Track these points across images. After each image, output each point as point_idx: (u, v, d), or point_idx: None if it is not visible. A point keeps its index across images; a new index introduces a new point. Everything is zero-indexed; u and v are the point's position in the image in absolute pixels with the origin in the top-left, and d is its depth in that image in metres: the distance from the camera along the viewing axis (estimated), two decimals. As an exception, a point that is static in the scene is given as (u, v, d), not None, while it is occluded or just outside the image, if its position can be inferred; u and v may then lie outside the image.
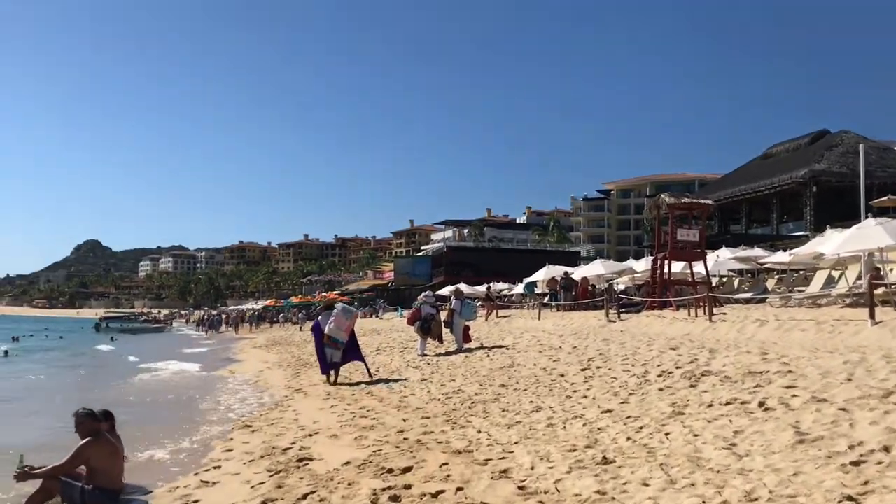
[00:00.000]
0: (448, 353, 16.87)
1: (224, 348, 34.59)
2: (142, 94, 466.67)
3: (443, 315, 18.26)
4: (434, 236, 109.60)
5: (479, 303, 35.08)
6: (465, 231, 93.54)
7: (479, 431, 7.88)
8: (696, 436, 6.61)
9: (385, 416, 9.61)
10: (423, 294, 18.11)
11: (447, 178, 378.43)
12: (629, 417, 7.58)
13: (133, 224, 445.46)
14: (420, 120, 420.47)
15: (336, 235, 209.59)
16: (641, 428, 7.06)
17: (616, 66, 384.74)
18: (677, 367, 10.48)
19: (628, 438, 6.85)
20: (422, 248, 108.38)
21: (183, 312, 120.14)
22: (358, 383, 13.98)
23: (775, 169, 48.34)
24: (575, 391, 9.79)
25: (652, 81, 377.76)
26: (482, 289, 43.35)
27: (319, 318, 15.24)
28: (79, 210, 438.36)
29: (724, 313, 18.67)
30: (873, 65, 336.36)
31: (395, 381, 13.34)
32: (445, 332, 17.81)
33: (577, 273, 30.00)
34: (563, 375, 11.40)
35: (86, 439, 6.31)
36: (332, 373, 14.23)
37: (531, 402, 9.41)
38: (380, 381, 14.42)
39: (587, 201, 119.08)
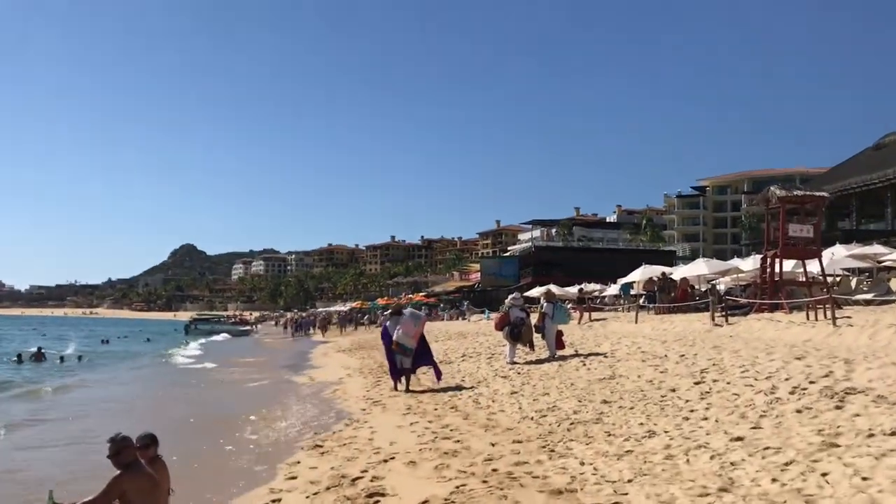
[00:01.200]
0: (540, 361, 15.57)
1: (308, 352, 34.15)
2: (233, 100, 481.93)
3: (533, 319, 16.97)
4: (521, 236, 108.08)
5: (571, 305, 33.59)
6: (553, 231, 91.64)
7: (583, 463, 6.61)
8: (864, 479, 5.17)
9: (471, 437, 8.44)
10: (511, 296, 16.85)
11: (534, 177, 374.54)
12: (768, 449, 6.16)
13: (227, 228, 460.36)
14: (505, 118, 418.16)
15: (422, 237, 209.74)
16: (788, 465, 5.64)
17: (709, 58, 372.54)
18: (811, 382, 8.93)
19: (774, 480, 5.46)
20: (508, 248, 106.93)
21: (273, 315, 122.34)
22: (443, 390, 12.97)
23: (889, 160, 44.78)
24: (692, 411, 8.38)
25: (746, 74, 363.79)
26: (573, 290, 41.70)
27: (387, 323, 14.71)
28: (176, 215, 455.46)
29: (848, 317, 16.72)
30: None
31: (481, 393, 12.14)
32: (536, 337, 16.52)
33: (677, 273, 28.10)
34: (674, 390, 9.96)
35: (119, 471, 5.39)
36: (403, 379, 13.77)
37: (641, 423, 8.07)
38: (461, 388, 13.33)
39: (681, 198, 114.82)
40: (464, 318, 51.77)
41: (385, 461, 7.62)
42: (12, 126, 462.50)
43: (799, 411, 7.44)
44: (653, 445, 6.97)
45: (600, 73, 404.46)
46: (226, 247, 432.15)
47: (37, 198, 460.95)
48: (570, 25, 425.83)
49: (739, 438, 6.67)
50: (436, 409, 10.80)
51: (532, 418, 9.25)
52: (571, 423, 8.55)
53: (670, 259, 63.57)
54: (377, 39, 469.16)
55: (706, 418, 7.89)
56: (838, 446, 5.89)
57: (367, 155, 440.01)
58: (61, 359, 31.75)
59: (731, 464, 5.86)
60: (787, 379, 9.45)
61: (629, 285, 30.75)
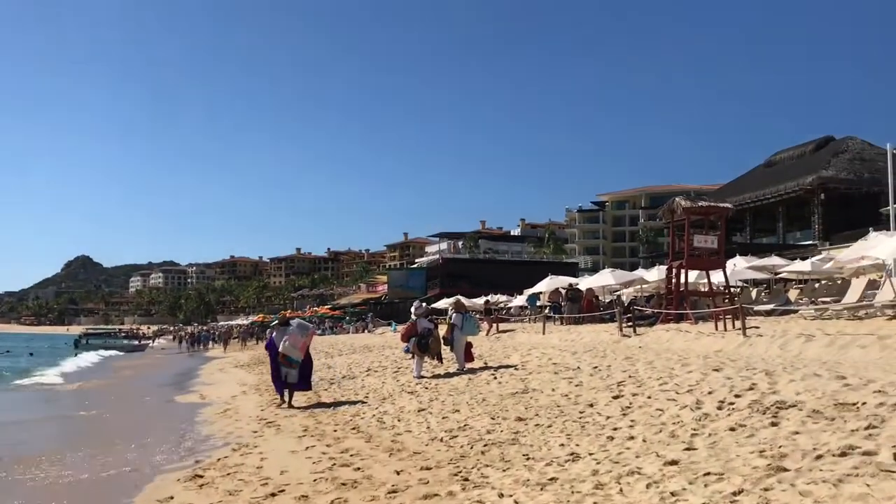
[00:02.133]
0: (448, 375, 14.73)
1: (202, 368, 32.26)
2: (135, 103, 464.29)
3: (441, 330, 16.15)
4: (428, 249, 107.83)
5: (478, 316, 33.04)
6: (460, 243, 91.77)
7: (502, 495, 5.73)
8: (828, 511, 4.53)
9: (373, 463, 7.47)
10: (415, 305, 15.96)
11: (441, 190, 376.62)
12: (709, 475, 5.46)
13: (125, 240, 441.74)
14: (413, 131, 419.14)
15: (329, 249, 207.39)
16: (737, 495, 4.93)
17: (610, 77, 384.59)
18: (736, 396, 8.42)
19: (725, 513, 4.76)
20: (416, 260, 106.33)
21: (171, 328, 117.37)
22: (338, 404, 11.96)
23: (780, 176, 46.68)
24: (615, 429, 7.69)
25: (645, 92, 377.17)
26: (480, 301, 41.25)
27: (274, 335, 13.97)
28: (70, 226, 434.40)
29: (756, 327, 16.68)
30: (872, 67, 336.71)
31: (386, 411, 11.17)
32: (445, 349, 15.69)
33: (583, 283, 27.94)
34: (592, 405, 9.29)
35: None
36: (287, 393, 13.33)
37: (562, 445, 7.30)
38: (364, 403, 12.35)
39: (582, 213, 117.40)
40: (369, 331, 50.63)
41: (273, 495, 6.56)
42: None
43: (732, 429, 6.83)
44: (578, 471, 6.19)
45: (505, 89, 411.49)
46: (123, 259, 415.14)
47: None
48: (477, 42, 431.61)
49: (674, 462, 5.98)
50: (335, 431, 9.75)
51: (442, 439, 8.35)
52: (485, 445, 7.70)
53: (573, 271, 64.34)
54: (281, 47, 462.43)
55: (632, 437, 7.20)
56: (787, 470, 5.25)
57: (272, 164, 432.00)
58: None
59: (672, 494, 5.12)
60: (710, 392, 8.93)
61: (536, 296, 30.46)
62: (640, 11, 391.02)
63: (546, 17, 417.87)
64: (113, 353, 54.76)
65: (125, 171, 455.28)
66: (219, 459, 8.48)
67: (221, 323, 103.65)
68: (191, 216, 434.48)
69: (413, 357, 15.45)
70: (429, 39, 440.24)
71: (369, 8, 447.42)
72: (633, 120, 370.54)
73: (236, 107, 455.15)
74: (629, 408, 8.78)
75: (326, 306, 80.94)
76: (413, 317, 15.44)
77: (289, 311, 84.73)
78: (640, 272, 29.21)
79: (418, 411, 10.59)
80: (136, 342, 73.97)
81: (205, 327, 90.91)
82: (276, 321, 16.57)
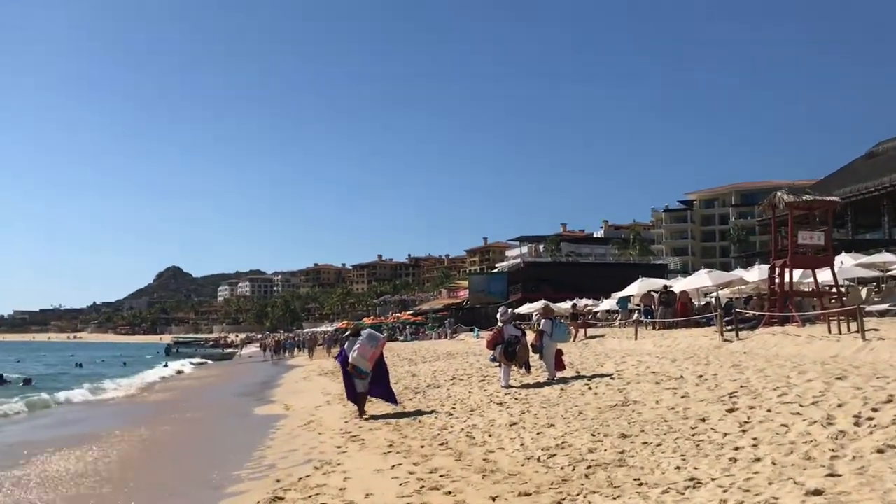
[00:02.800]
0: (538, 385, 13.96)
1: (287, 377, 32.32)
2: (216, 123, 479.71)
3: (529, 337, 15.38)
4: (508, 253, 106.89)
5: (566, 322, 32.09)
6: (541, 247, 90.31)
7: (617, 531, 4.99)
8: None
9: (466, 486, 6.80)
10: (501, 312, 15.20)
11: (521, 193, 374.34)
12: (866, 510, 4.59)
13: (213, 250, 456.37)
14: (492, 134, 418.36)
15: (409, 255, 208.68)
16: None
17: (694, 71, 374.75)
18: (873, 410, 7.40)
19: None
20: (496, 265, 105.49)
21: (258, 336, 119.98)
22: (427, 413, 11.26)
23: (884, 168, 43.85)
24: (736, 448, 6.80)
25: (731, 86, 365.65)
26: (566, 305, 40.20)
27: (345, 345, 13.82)
28: (161, 238, 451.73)
29: (875, 329, 15.29)
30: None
31: (475, 424, 10.48)
32: (533, 357, 14.92)
33: (677, 285, 26.64)
34: (704, 420, 8.39)
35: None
36: (361, 403, 13.23)
37: (677, 467, 6.46)
38: (448, 414, 11.70)
39: (669, 212, 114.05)
40: (452, 337, 50.14)
41: (357, 522, 6.00)
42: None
43: (881, 451, 5.86)
44: (702, 501, 5.36)
45: (586, 88, 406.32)
46: (212, 269, 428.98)
47: (20, 222, 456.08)
48: (558, 40, 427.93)
49: (818, 492, 5.08)
50: (422, 447, 9.12)
51: (539, 459, 7.61)
52: (589, 467, 6.92)
53: (662, 272, 62.27)
54: (360, 59, 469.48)
55: (758, 459, 6.31)
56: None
57: (353, 173, 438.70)
58: (25, 381, 30.22)
59: (827, 536, 4.27)
60: (840, 405, 7.92)
61: (626, 299, 29.20)
62: (719, 5, 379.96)
63: (618, 18, 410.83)
64: (202, 361, 55.99)
65: (212, 183, 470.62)
66: (300, 479, 7.97)
67: (307, 330, 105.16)
68: (275, 225, 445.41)
69: (499, 365, 14.72)
70: (526, 38, 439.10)
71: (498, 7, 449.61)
72: (719, 115, 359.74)
73: (317, 115, 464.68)
74: (748, 423, 7.85)
75: (408, 312, 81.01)
76: (499, 323, 14.72)
77: (371, 317, 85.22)
78: (738, 272, 27.67)
79: (510, 425, 9.86)
80: (224, 350, 75.51)
81: (290, 335, 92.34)
82: (349, 332, 16.26)
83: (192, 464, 10.61)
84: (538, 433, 9.01)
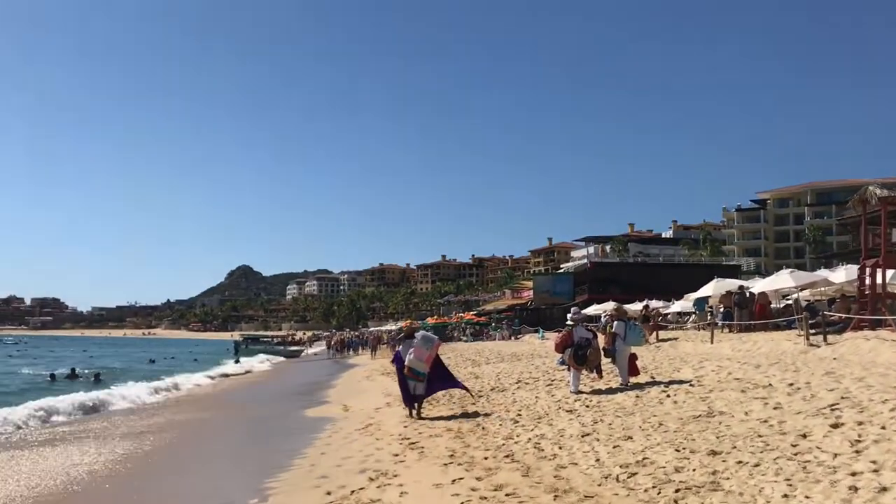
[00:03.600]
0: (611, 391, 13.04)
1: (348, 376, 31.98)
2: (286, 125, 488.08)
3: (601, 340, 14.45)
4: (574, 254, 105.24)
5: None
6: (608, 247, 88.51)
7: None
8: None
9: (535, 508, 6.02)
10: (573, 311, 14.33)
11: (586, 193, 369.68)
12: None
13: (282, 250, 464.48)
14: (556, 134, 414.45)
15: (473, 255, 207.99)
16: None
17: (764, 65, 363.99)
18: None
19: None
20: (561, 265, 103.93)
21: (324, 334, 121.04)
22: (490, 415, 10.40)
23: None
24: (853, 474, 5.83)
25: (803, 82, 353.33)
26: (636, 307, 38.83)
27: (400, 348, 13.83)
28: (233, 238, 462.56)
29: None
30: None
31: (543, 434, 9.66)
32: (605, 361, 13.99)
33: (757, 286, 25.21)
34: (805, 436, 7.40)
35: None
36: (416, 406, 13.13)
37: (785, 495, 5.54)
38: (513, 421, 10.89)
39: (741, 212, 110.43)
40: (516, 338, 49.20)
41: (412, 550, 5.29)
42: (75, 150, 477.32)
43: None
44: (824, 541, 4.46)
45: (652, 86, 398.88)
46: (280, 268, 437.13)
47: (99, 222, 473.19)
48: (615, 38, 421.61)
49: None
50: (486, 459, 8.34)
51: (618, 478, 6.76)
52: (678, 490, 6.04)
53: (735, 274, 59.95)
54: (418, 58, 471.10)
55: (885, 489, 5.34)
56: None
57: (417, 174, 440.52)
58: (96, 377, 30.65)
59: None
60: (970, 422, 6.86)
61: (704, 300, 27.75)
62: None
63: (686, 7, 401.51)
64: (270, 358, 56.48)
65: (280, 184, 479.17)
66: (353, 492, 7.30)
67: (371, 329, 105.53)
68: (342, 225, 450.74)
69: (568, 369, 13.84)
70: (586, 29, 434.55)
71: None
72: (792, 113, 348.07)
73: (379, 114, 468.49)
74: (860, 442, 6.84)
75: (472, 312, 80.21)
76: (569, 324, 13.83)
77: (434, 317, 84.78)
78: (823, 273, 26.01)
79: (582, 436, 9.01)
80: (291, 348, 76.32)
81: (355, 333, 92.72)
82: (403, 334, 15.84)
83: (238, 469, 10.11)
84: (615, 446, 8.14)
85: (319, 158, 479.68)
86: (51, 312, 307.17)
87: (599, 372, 13.82)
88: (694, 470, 6.64)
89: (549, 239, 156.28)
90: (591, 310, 46.96)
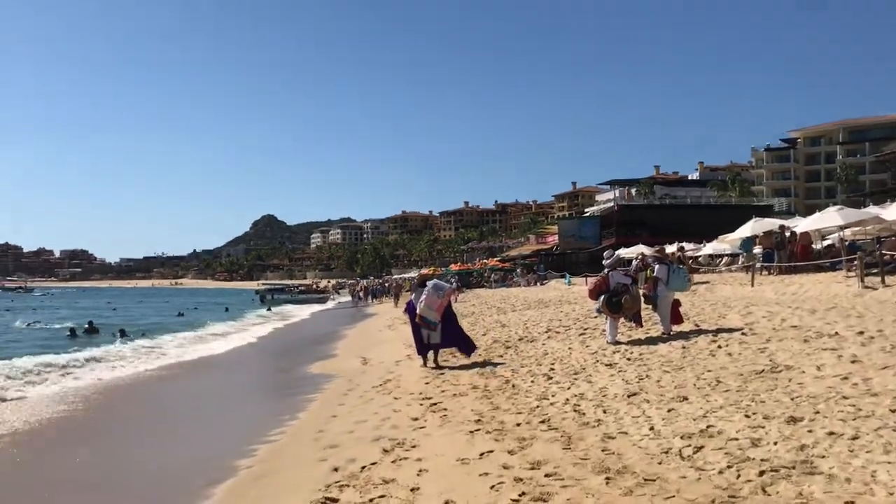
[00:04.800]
0: (651, 341, 11.84)
1: (371, 324, 31.08)
2: (308, 74, 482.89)
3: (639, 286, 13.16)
4: (598, 197, 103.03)
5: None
6: (633, 190, 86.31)
7: None
8: None
9: (584, 497, 4.86)
10: (607, 255, 13.01)
11: (610, 136, 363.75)
12: None
13: (306, 198, 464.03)
14: (576, 77, 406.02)
15: (496, 201, 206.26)
16: None
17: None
18: None
19: None
20: (586, 210, 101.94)
21: (349, 282, 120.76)
22: (525, 371, 9.21)
23: None
24: None
25: (839, 16, 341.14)
26: (669, 249, 37.41)
27: (413, 296, 13.48)
28: (256, 187, 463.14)
29: None
30: None
31: (583, 393, 8.49)
32: (645, 308, 12.76)
33: (801, 225, 23.70)
34: (901, 397, 6.17)
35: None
36: (432, 354, 12.76)
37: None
38: (546, 377, 9.74)
39: (770, 152, 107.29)
40: (542, 284, 48.05)
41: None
42: (107, 101, 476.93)
43: None
44: None
45: (672, 26, 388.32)
46: (305, 217, 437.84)
47: (127, 174, 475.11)
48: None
49: None
50: (519, 425, 7.18)
51: (681, 453, 5.56)
52: (762, 473, 4.84)
53: (767, 214, 58.05)
54: (445, 13, 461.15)
55: None
56: None
57: (438, 120, 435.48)
58: (121, 332, 29.95)
59: None
60: None
61: (751, 240, 26.09)
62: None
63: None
64: (294, 307, 56.24)
65: (301, 134, 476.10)
66: (363, 468, 6.18)
67: (395, 276, 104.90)
68: (365, 174, 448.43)
69: (605, 318, 12.63)
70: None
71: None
72: (821, 48, 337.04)
73: (404, 70, 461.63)
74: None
75: (496, 258, 79.00)
76: (605, 268, 12.58)
77: (458, 263, 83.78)
78: (873, 210, 24.37)
79: (628, 396, 7.83)
80: (318, 296, 76.57)
81: (379, 281, 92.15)
82: (416, 282, 15.60)
83: (231, 432, 9.13)
84: (669, 410, 6.95)
85: (342, 106, 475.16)
86: (79, 264, 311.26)
87: (639, 320, 12.60)
88: (775, 444, 5.43)
89: (573, 183, 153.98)
90: (623, 252, 45.63)
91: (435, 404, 8.87)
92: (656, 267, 12.52)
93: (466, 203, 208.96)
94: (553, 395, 8.49)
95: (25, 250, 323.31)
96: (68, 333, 29.50)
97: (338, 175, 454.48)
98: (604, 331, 13.44)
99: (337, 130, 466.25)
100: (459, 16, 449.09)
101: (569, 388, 8.80)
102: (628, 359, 10.36)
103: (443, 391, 9.76)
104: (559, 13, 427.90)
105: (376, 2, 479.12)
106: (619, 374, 9.31)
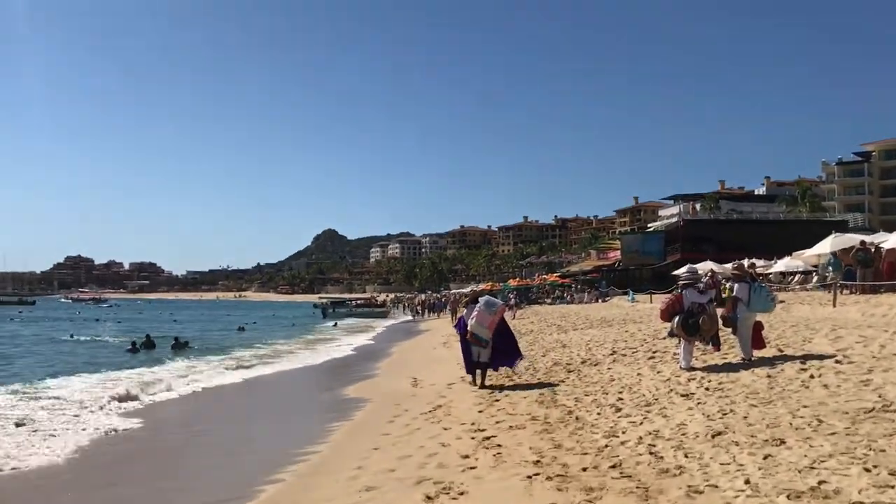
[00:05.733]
0: (730, 367, 10.64)
1: (423, 340, 30.24)
2: (367, 94, 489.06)
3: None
4: (661, 212, 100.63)
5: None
6: (697, 205, 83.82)
7: None
8: None
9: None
10: (686, 270, 11.85)
11: (673, 150, 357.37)
12: None
13: (366, 213, 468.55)
14: (640, 91, 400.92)
15: (556, 216, 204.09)
16: None
17: (862, 3, 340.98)
18: None
19: None
20: (648, 225, 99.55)
21: (407, 296, 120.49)
22: (590, 400, 8.14)
23: None
24: None
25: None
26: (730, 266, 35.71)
27: (465, 312, 13.28)
28: (319, 203, 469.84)
29: None
30: None
31: (657, 429, 7.43)
32: (723, 331, 11.55)
33: (889, 241, 22.00)
34: None
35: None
36: (480, 373, 12.50)
37: None
38: (615, 408, 8.68)
39: (843, 165, 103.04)
40: (603, 300, 46.54)
41: None
42: (176, 120, 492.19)
43: None
44: None
45: (741, 35, 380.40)
46: (364, 231, 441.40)
47: (195, 189, 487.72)
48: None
49: None
50: (585, 470, 6.17)
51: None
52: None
53: (842, 230, 55.36)
54: (508, 21, 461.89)
55: None
56: None
57: (498, 135, 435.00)
58: (178, 343, 29.72)
59: None
60: None
61: (837, 257, 24.31)
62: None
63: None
64: (356, 321, 56.31)
65: (365, 150, 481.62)
66: (401, 520, 5.30)
67: (453, 291, 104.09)
68: (423, 188, 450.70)
69: (678, 341, 11.48)
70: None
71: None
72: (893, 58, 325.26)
73: (462, 77, 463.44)
74: None
75: (555, 274, 77.48)
76: (680, 285, 11.44)
77: (516, 279, 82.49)
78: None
79: (712, 437, 6.73)
80: (378, 310, 76.76)
81: (437, 295, 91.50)
82: (468, 298, 15.59)
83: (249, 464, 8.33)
84: (765, 456, 5.85)
85: (401, 122, 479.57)
86: (147, 276, 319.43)
87: (717, 343, 11.39)
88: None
89: (634, 198, 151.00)
90: (682, 271, 43.81)
91: (488, 438, 7.91)
92: (735, 286, 11.33)
93: (525, 218, 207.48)
94: (624, 432, 7.44)
95: (96, 263, 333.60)
96: (129, 348, 29.31)
97: (397, 190, 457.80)
98: (675, 354, 12.31)
99: (394, 149, 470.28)
100: (510, 26, 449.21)
101: (641, 424, 7.74)
102: (707, 389, 9.23)
103: (497, 422, 8.79)
104: (616, 27, 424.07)
105: (434, 19, 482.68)
106: (699, 406, 8.21)
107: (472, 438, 8.05)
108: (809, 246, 32.98)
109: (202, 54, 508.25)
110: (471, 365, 12.63)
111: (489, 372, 12.70)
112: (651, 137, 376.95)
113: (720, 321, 11.22)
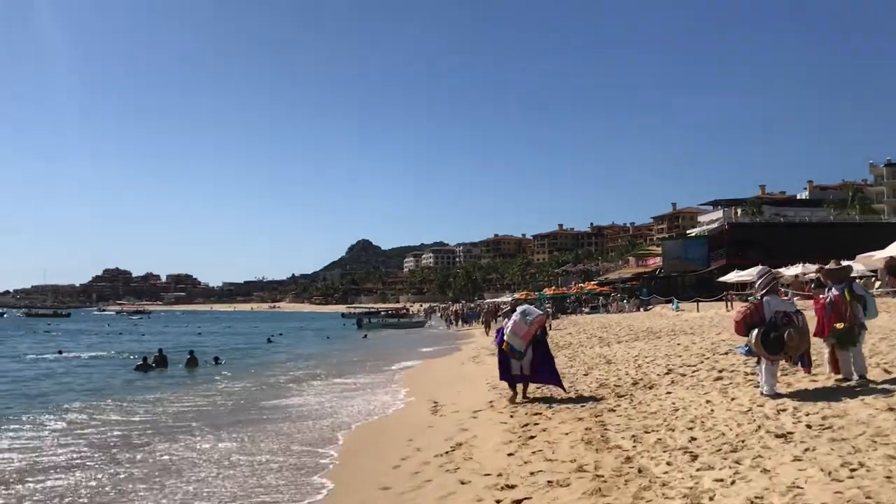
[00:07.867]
0: (828, 392, 8.36)
1: (455, 355, 28.09)
2: (398, 101, 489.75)
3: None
4: (701, 218, 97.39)
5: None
6: (739, 211, 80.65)
7: None
8: None
9: None
10: (758, 272, 9.54)
11: (711, 154, 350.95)
12: None
13: (399, 223, 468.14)
14: (676, 94, 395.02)
15: (592, 223, 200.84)
16: None
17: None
18: None
19: None
20: (687, 232, 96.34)
21: (441, 306, 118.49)
22: (651, 436, 5.99)
23: None
24: None
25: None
26: (789, 272, 33.08)
27: (504, 321, 12.63)
28: (353, 213, 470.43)
29: None
30: None
31: (758, 494, 5.23)
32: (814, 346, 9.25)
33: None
34: None
35: None
36: (520, 387, 11.68)
37: None
38: (686, 451, 6.47)
39: (891, 167, 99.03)
40: (645, 309, 44.03)
41: None
42: (211, 133, 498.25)
43: None
44: None
45: (780, 38, 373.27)
46: (398, 241, 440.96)
47: (230, 201, 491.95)
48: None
49: None
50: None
51: None
52: None
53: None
54: (533, 27, 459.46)
55: None
56: None
57: (532, 143, 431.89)
58: (193, 359, 27.80)
59: None
60: None
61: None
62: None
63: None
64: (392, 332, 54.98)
65: (399, 160, 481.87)
66: None
67: (487, 300, 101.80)
68: (457, 198, 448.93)
69: (758, 361, 9.18)
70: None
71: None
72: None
73: (495, 85, 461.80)
74: None
75: (592, 282, 74.81)
76: (757, 292, 9.16)
77: (552, 287, 79.97)
78: None
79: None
80: (415, 320, 76.04)
81: (471, 305, 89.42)
82: (507, 308, 14.71)
83: None
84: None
85: (434, 133, 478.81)
86: (184, 288, 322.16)
87: (808, 363, 9.05)
88: None
89: (672, 204, 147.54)
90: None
91: (519, 502, 5.75)
92: (832, 290, 9.03)
93: (560, 226, 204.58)
94: (712, 499, 5.23)
95: (134, 275, 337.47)
96: (140, 363, 27.32)
97: (431, 199, 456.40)
98: (749, 375, 10.06)
99: (428, 160, 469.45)
100: (540, 37, 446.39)
101: (733, 483, 5.52)
102: (808, 426, 6.96)
103: (532, 473, 6.59)
104: (654, 33, 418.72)
105: (479, 28, 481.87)
106: (807, 455, 5.96)
107: (500, 490, 5.90)
108: (863, 250, 30.27)
109: (247, 67, 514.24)
110: (510, 377, 11.76)
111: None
112: (686, 144, 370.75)
113: (848, 332, 8.87)
